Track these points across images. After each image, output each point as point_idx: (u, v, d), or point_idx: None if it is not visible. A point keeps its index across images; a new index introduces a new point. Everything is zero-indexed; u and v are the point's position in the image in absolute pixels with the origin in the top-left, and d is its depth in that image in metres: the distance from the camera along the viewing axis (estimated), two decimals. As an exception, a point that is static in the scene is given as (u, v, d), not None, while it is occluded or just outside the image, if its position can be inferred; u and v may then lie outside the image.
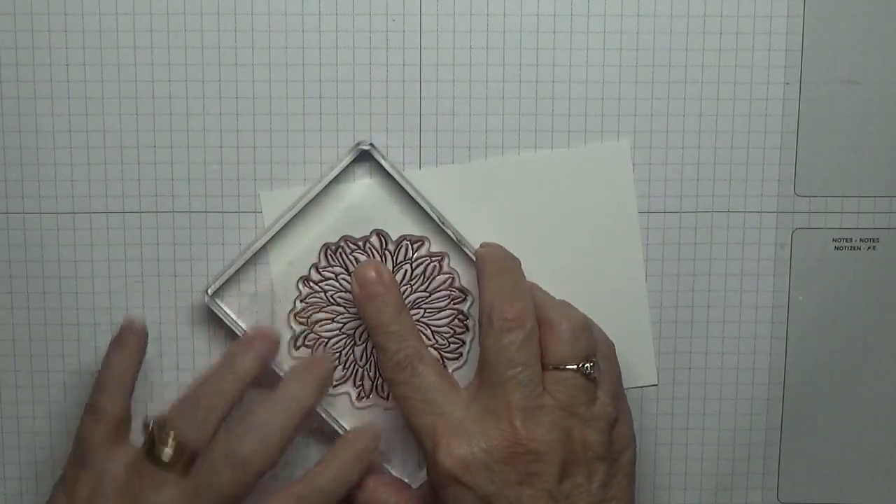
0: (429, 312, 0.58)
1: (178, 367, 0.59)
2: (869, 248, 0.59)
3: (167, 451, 0.53)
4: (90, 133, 0.57)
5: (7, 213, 0.57)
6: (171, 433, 0.53)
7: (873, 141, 0.58)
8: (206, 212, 0.58)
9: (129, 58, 0.56)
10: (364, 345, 0.58)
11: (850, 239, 0.59)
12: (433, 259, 0.58)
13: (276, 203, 0.57)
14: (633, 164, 0.58)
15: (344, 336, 0.58)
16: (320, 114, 0.57)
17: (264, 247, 0.57)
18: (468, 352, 0.59)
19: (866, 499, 0.61)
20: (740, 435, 0.60)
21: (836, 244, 0.59)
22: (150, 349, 0.58)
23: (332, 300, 0.58)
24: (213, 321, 0.58)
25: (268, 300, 0.58)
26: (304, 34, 0.56)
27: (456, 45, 0.57)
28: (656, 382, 0.60)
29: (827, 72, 0.58)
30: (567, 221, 0.58)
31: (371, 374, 0.59)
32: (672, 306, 0.59)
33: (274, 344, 0.57)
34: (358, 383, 0.59)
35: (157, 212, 0.58)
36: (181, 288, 0.58)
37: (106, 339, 0.58)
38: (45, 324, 0.58)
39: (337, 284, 0.58)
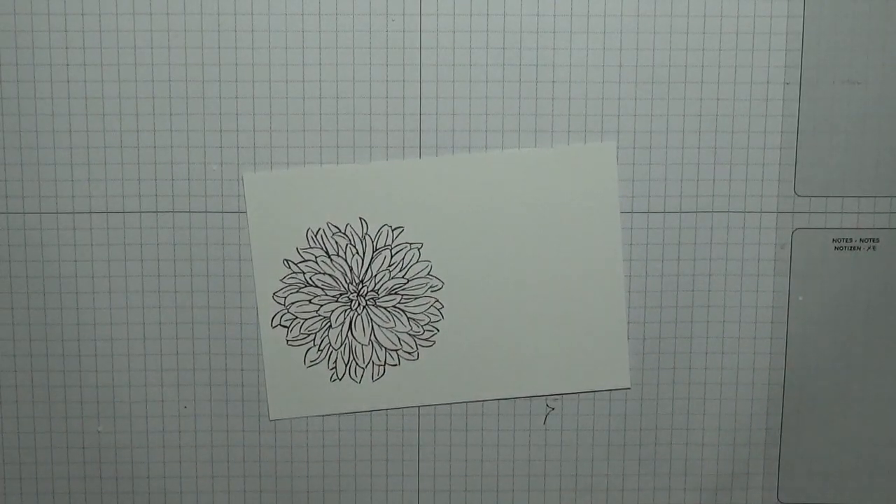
0: (406, 299, 0.59)
1: (177, 367, 0.59)
2: (869, 248, 0.59)
3: None
4: (90, 133, 0.57)
5: (7, 213, 0.57)
6: None
7: (873, 141, 0.58)
8: (205, 212, 0.58)
9: (129, 58, 0.56)
10: (339, 328, 0.59)
11: (850, 239, 0.59)
12: (412, 247, 0.58)
13: (259, 186, 0.57)
14: (634, 165, 0.58)
15: (319, 318, 0.59)
16: (320, 114, 0.57)
17: (249, 228, 0.58)
18: (441, 338, 0.59)
19: (866, 499, 0.61)
20: (740, 435, 0.60)
21: (836, 244, 0.59)
22: (151, 349, 0.58)
23: (309, 282, 0.58)
24: (213, 321, 0.58)
25: None
26: (304, 34, 0.56)
27: (456, 45, 0.57)
28: (629, 386, 0.59)
29: (827, 72, 0.57)
30: (551, 220, 0.58)
31: (345, 357, 0.59)
32: (672, 306, 0.59)
33: None
34: (332, 366, 0.59)
35: (157, 212, 0.58)
36: (181, 288, 0.58)
37: (106, 339, 0.58)
38: (45, 324, 0.58)
39: (316, 266, 0.58)
